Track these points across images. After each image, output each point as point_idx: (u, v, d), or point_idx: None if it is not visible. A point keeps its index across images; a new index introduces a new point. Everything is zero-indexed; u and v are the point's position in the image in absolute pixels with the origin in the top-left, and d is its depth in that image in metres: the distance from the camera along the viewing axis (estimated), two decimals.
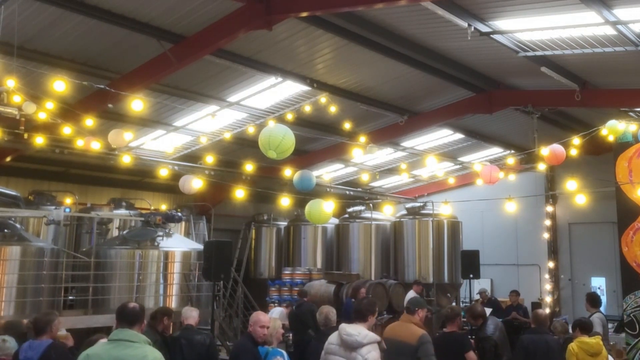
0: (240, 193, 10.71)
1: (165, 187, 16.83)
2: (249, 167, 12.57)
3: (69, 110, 9.90)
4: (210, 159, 12.51)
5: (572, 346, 6.67)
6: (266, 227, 18.71)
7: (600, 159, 15.15)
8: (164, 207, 16.98)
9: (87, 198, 15.74)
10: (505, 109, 14.05)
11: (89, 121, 8.93)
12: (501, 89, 13.33)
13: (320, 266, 16.87)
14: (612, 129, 9.85)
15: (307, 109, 12.70)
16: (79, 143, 9.96)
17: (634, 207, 9.98)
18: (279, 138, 6.26)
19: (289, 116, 12.58)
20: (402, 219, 16.56)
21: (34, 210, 12.76)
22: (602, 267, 17.34)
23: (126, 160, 11.67)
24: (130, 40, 9.61)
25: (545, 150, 9.82)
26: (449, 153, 17.85)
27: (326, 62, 11.32)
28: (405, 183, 21.00)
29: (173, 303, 11.51)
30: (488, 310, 10.19)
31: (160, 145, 14.41)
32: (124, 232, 13.04)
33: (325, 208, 8.36)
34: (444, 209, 12.35)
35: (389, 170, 18.74)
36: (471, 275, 13.50)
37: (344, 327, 5.45)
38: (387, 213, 14.92)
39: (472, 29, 9.21)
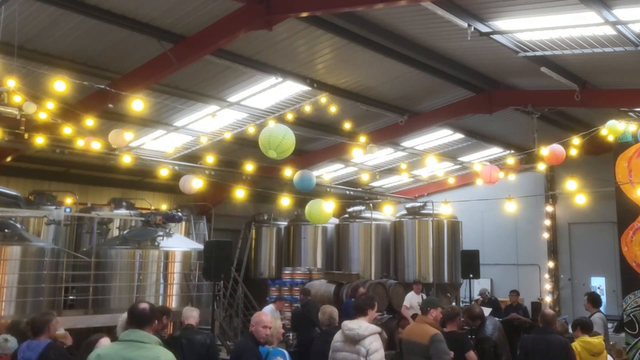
0: (240, 193, 10.72)
1: (165, 187, 16.84)
2: (249, 167, 12.59)
3: (70, 110, 9.90)
4: (210, 159, 12.52)
5: (575, 345, 6.68)
6: (266, 227, 18.73)
7: (600, 159, 15.15)
8: (164, 207, 17.02)
9: (88, 198, 15.76)
10: (505, 109, 14.06)
11: (90, 121, 8.93)
12: (501, 89, 13.34)
13: (320, 266, 16.90)
14: (612, 129, 9.87)
15: (307, 109, 12.72)
16: (80, 143, 9.95)
17: (633, 207, 10.00)
18: (279, 138, 6.27)
19: (289, 116, 12.60)
20: (402, 219, 16.57)
21: (35, 210, 12.78)
22: (602, 267, 17.36)
23: (126, 160, 11.67)
24: (130, 40, 9.62)
25: (545, 150, 9.81)
26: (449, 153, 17.86)
27: (326, 62, 11.33)
28: (405, 183, 21.01)
29: (173, 303, 11.54)
30: (487, 310, 10.19)
31: (160, 145, 14.42)
32: (125, 232, 13.07)
33: (325, 208, 8.36)
34: (444, 208, 12.34)
35: (389, 170, 18.74)
36: (471, 275, 13.52)
37: (346, 323, 5.62)
38: (387, 213, 14.92)
39: (472, 29, 9.22)
